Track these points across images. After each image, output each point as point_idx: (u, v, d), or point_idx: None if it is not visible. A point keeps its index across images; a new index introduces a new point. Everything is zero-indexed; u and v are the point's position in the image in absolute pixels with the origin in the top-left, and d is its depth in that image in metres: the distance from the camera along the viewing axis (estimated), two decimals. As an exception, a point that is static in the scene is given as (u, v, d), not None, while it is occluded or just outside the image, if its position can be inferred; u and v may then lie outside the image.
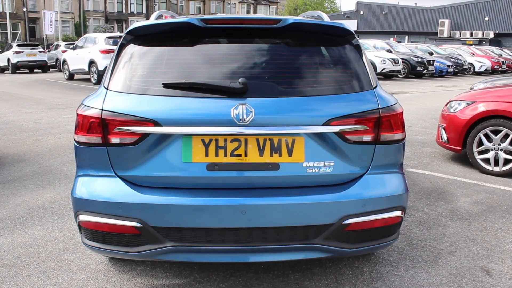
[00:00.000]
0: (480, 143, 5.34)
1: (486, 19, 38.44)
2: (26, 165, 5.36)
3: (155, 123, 2.15)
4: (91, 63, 15.13)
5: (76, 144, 2.31)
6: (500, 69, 25.96)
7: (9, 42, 30.63)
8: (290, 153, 2.20)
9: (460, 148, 5.53)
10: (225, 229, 2.18)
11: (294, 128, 2.17)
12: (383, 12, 44.50)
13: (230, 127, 2.13)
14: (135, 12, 57.68)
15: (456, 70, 23.33)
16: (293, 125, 2.18)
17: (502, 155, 5.19)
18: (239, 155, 2.18)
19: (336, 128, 2.20)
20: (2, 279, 2.79)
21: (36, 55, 22.23)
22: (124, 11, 57.20)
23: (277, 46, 2.42)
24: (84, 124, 2.24)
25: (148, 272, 2.85)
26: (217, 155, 2.17)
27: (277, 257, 2.29)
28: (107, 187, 2.24)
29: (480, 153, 5.36)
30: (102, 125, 2.20)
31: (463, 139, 5.48)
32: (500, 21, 37.62)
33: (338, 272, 2.91)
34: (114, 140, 2.19)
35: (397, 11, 44.27)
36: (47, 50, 25.38)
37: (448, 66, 22.41)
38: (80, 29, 50.01)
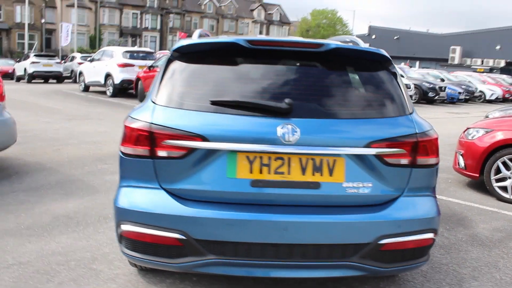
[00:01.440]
0: (498, 171, 5.38)
1: (498, 47, 38.66)
2: (48, 174, 5.45)
3: (203, 138, 2.23)
4: (108, 76, 15.38)
5: (122, 155, 2.40)
6: (511, 97, 26.01)
7: (26, 52, 31.18)
8: (331, 173, 2.28)
9: (477, 175, 5.57)
10: (266, 244, 2.25)
11: (336, 149, 2.27)
12: (395, 37, 44.89)
13: (276, 146, 2.22)
14: (149, 27, 58.61)
15: (467, 97, 23.40)
16: (335, 146, 2.27)
17: (519, 184, 5.22)
18: (282, 173, 2.26)
19: (376, 151, 2.29)
20: (35, 285, 2.85)
21: (53, 65, 22.64)
22: (138, 26, 58.16)
23: (319, 69, 2.53)
24: (132, 136, 2.33)
25: (177, 284, 2.90)
26: (261, 172, 2.25)
27: (315, 273, 2.36)
28: (151, 199, 2.31)
29: (498, 180, 5.40)
30: (150, 138, 2.28)
31: (480, 166, 5.53)
32: (511, 50, 37.79)
33: (363, 293, 2.95)
34: (161, 153, 2.27)
35: (409, 36, 44.67)
36: (62, 61, 25.79)
37: (460, 93, 22.50)
38: (94, 42, 50.87)
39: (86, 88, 17.33)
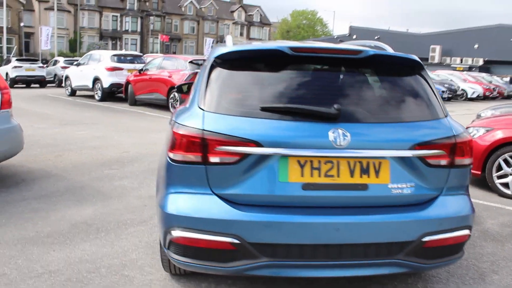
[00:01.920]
0: (499, 168, 5.55)
1: (476, 46, 39.55)
2: (55, 180, 5.40)
3: (257, 144, 2.28)
4: (96, 80, 15.22)
5: (171, 162, 2.41)
6: (491, 95, 26.63)
7: (5, 56, 30.55)
8: (377, 175, 2.36)
9: (479, 173, 5.73)
10: (318, 245, 2.31)
11: (382, 152, 2.35)
12: (376, 37, 45.43)
13: (327, 150, 2.29)
14: (129, 30, 58.09)
15: (450, 96, 23.86)
16: (381, 149, 2.36)
17: (520, 180, 5.39)
18: (332, 176, 2.33)
19: (419, 153, 2.39)
20: (71, 293, 2.85)
21: (35, 70, 22.25)
22: (118, 28, 57.55)
23: (359, 75, 2.62)
24: (183, 143, 2.35)
25: (214, 288, 2.93)
26: (312, 175, 2.31)
27: (363, 272, 2.43)
28: (204, 204, 2.33)
29: (499, 177, 5.56)
30: (202, 145, 2.31)
31: (482, 164, 5.69)
32: (489, 49, 38.71)
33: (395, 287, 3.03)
34: (214, 159, 2.31)
35: (389, 36, 45.29)
36: (45, 66, 25.38)
37: (443, 91, 22.92)
38: (74, 46, 50.18)
39: (73, 93, 17.12)
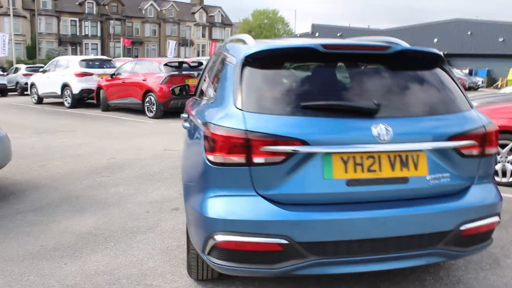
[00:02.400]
0: (487, 156, 5.72)
1: (435, 40, 40.78)
2: (47, 191, 5.18)
3: (303, 142, 2.24)
4: (65, 86, 14.73)
5: (211, 165, 2.33)
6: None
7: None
8: (416, 167, 2.37)
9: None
10: (364, 240, 2.30)
11: (421, 144, 2.36)
12: (338, 34, 46.15)
13: (370, 145, 2.28)
14: (89, 34, 56.60)
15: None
16: (419, 142, 2.37)
17: (509, 167, 5.58)
18: (374, 171, 2.32)
19: (455, 144, 2.42)
20: (98, 307, 2.73)
21: (-4, 78, 21.35)
22: (78, 33, 55.96)
23: (389, 70, 2.61)
24: (225, 145, 2.27)
25: (245, 290, 2.88)
26: (355, 171, 2.30)
27: (405, 263, 2.44)
28: (250, 206, 2.27)
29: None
30: (246, 145, 2.24)
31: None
32: (447, 43, 39.99)
33: (419, 278, 3.07)
34: (258, 160, 2.25)
35: (351, 33, 46.02)
36: (5, 74, 24.40)
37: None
38: (32, 52, 48.51)
39: (40, 100, 16.50)
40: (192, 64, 12.08)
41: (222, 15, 76.26)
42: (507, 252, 3.54)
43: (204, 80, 3.97)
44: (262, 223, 2.24)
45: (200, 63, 12.16)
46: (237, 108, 2.36)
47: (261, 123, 2.27)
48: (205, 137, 2.39)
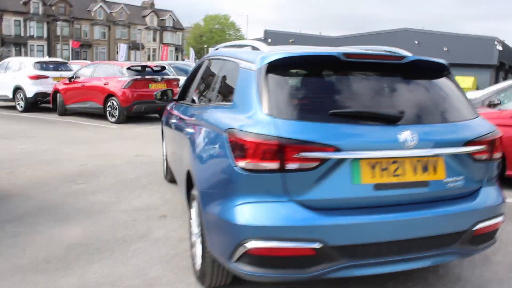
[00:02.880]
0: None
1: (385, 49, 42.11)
2: (21, 200, 4.89)
3: (336, 148, 2.27)
4: (17, 89, 13.98)
5: (241, 172, 2.30)
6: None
7: None
8: (435, 171, 2.47)
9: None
10: (391, 242, 2.37)
11: (441, 149, 2.47)
12: (290, 40, 46.82)
13: (396, 151, 2.36)
14: (35, 35, 54.26)
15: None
16: (440, 147, 2.48)
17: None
18: (399, 175, 2.39)
19: (469, 149, 2.55)
20: (111, 320, 2.60)
21: None
22: (22, 34, 53.47)
23: (405, 79, 2.71)
24: (258, 152, 2.25)
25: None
26: (382, 176, 2.36)
27: (426, 263, 2.55)
28: (283, 212, 2.27)
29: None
30: (279, 152, 2.24)
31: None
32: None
33: (422, 277, 3.17)
34: (292, 166, 2.25)
35: (303, 39, 46.87)
36: None
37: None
38: (-28, 53, 45.75)
39: (-13, 104, 15.57)
40: (155, 69, 11.84)
41: (173, 19, 75.48)
42: (494, 250, 3.71)
43: (201, 86, 3.91)
44: (296, 228, 2.25)
45: (163, 68, 11.97)
46: (266, 114, 2.35)
47: (294, 130, 2.28)
48: (232, 144, 2.36)
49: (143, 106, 11.15)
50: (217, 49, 4.21)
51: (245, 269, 2.34)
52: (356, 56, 2.54)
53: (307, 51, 2.63)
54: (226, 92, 2.94)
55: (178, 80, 12.30)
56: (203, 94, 3.65)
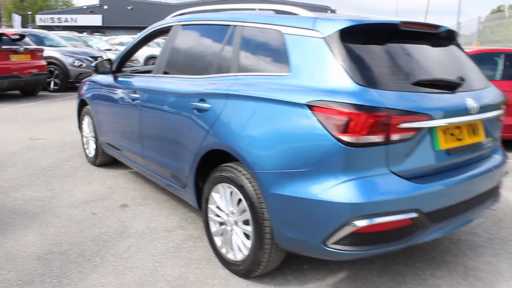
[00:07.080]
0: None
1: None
2: None
3: (429, 117, 2.22)
4: None
5: (341, 147, 2.07)
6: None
7: None
8: (479, 134, 2.61)
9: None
10: (462, 201, 2.45)
11: (487, 113, 2.59)
12: (129, 7, 43.86)
13: (464, 117, 2.41)
14: None
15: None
16: (487, 111, 2.59)
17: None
18: (461, 139, 2.47)
19: (499, 112, 2.76)
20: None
21: None
22: None
23: (443, 47, 2.74)
24: (365, 124, 2.05)
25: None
26: (452, 141, 2.40)
27: (476, 215, 2.70)
28: (386, 186, 2.13)
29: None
30: (385, 123, 2.09)
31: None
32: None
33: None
34: (395, 137, 2.12)
35: (143, 6, 44.29)
36: None
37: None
38: None
39: None
40: (13, 37, 9.84)
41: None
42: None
43: (184, 56, 3.37)
44: (399, 200, 2.14)
45: (23, 36, 10.02)
46: (358, 84, 2.13)
47: (392, 100, 2.14)
48: (326, 117, 2.10)
49: (6, 81, 9.27)
50: (182, 14, 3.69)
51: (346, 250, 2.14)
52: (410, 25, 2.46)
53: (369, 19, 2.43)
54: (262, 62, 2.56)
55: (42, 50, 10.49)
56: (199, 65, 3.10)
